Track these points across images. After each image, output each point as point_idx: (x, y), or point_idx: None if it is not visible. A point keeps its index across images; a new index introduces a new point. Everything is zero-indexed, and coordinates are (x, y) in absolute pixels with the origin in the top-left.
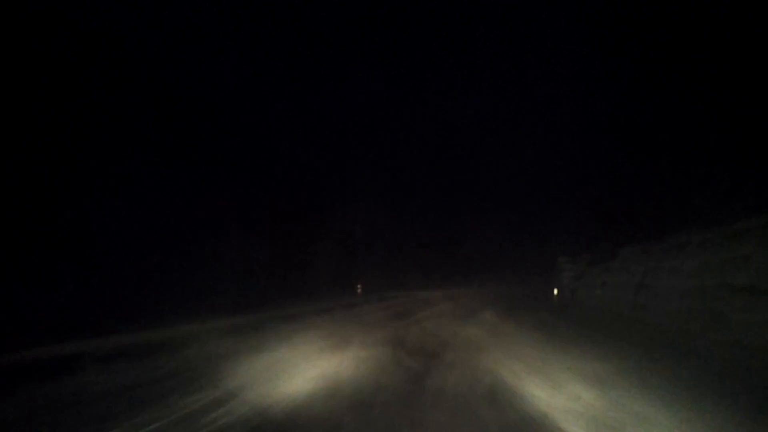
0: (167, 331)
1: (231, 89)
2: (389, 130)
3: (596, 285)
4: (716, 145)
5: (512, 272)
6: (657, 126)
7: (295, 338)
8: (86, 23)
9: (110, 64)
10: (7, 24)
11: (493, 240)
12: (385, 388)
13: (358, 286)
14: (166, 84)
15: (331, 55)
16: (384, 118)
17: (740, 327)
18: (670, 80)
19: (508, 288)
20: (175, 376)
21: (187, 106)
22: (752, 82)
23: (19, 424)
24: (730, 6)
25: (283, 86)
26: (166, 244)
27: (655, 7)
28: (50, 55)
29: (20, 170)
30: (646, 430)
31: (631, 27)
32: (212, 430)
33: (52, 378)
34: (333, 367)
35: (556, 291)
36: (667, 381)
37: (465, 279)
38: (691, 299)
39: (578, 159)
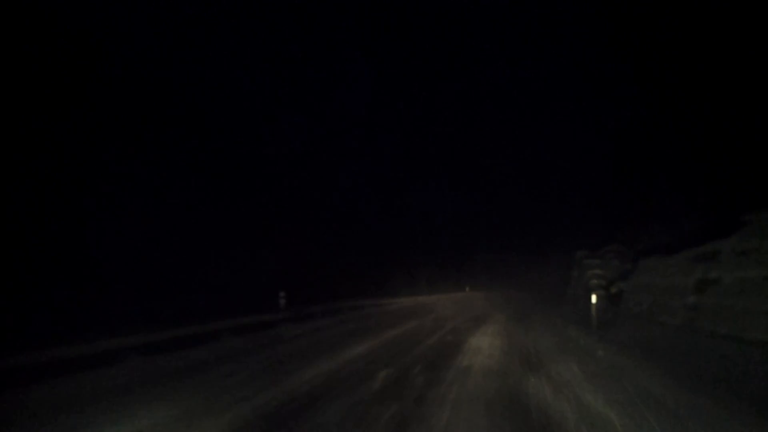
0: None
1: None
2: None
3: (681, 287)
4: None
5: (514, 274)
6: None
7: None
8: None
9: (134, 72)
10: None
11: (492, 238)
12: None
13: (281, 294)
14: (176, 92)
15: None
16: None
17: None
18: None
19: (515, 294)
20: None
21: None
22: None
23: None
24: None
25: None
26: None
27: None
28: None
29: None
30: None
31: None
32: None
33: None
34: None
35: (594, 298)
36: None
37: (456, 283)
38: None
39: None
